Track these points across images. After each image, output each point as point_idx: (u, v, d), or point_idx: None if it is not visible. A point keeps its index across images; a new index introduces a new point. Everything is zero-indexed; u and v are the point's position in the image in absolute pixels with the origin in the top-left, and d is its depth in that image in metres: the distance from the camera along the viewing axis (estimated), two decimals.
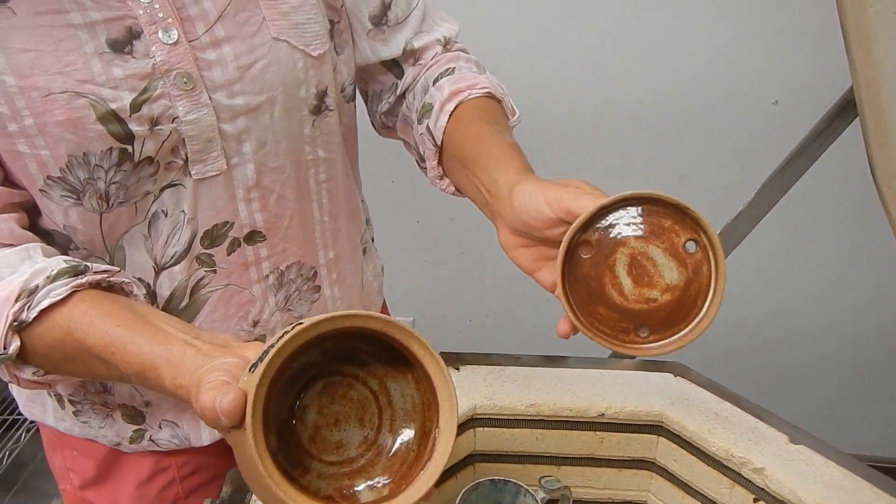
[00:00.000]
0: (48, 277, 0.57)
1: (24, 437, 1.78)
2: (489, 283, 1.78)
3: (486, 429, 0.79)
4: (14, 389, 0.82)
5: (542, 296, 0.70)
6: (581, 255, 0.55)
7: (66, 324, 0.56)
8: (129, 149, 0.61)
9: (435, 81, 0.76)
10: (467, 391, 0.80)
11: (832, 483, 0.68)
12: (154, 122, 0.61)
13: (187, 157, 0.64)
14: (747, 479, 0.71)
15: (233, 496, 0.70)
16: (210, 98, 0.63)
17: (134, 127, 0.60)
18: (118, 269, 0.62)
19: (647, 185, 1.60)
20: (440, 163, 0.74)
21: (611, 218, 0.54)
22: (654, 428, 0.78)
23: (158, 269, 0.68)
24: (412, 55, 0.79)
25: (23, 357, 0.59)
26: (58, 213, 0.63)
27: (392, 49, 0.78)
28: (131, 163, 0.61)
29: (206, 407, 0.44)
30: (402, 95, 0.81)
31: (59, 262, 0.58)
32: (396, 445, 0.52)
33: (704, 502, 0.76)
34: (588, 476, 0.81)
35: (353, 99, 0.79)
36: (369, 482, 0.51)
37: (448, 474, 0.79)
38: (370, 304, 0.90)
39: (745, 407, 0.78)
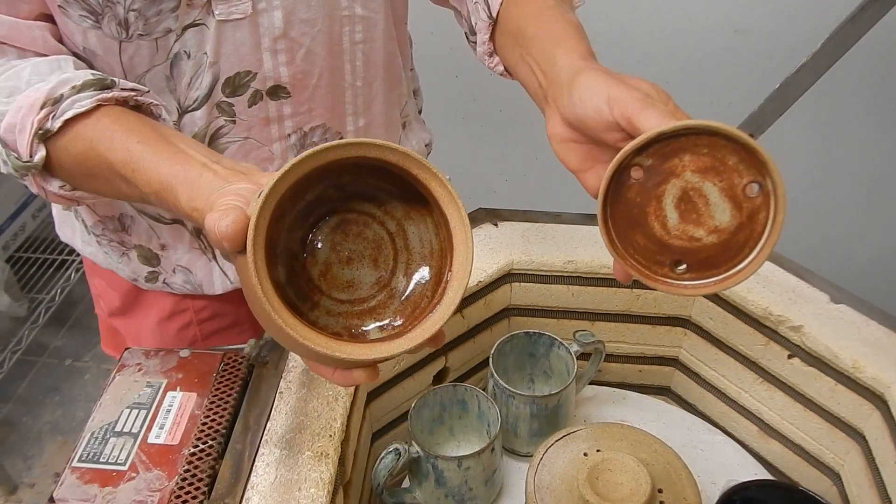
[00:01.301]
0: (74, 87, 0.56)
1: (74, 276, 1.85)
2: (527, 140, 1.74)
3: (522, 284, 0.80)
4: (54, 210, 0.85)
5: None
6: (630, 177, 0.50)
7: (90, 136, 0.55)
8: None
9: None
10: (505, 247, 0.79)
11: (870, 340, 0.67)
12: None
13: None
14: (783, 337, 0.71)
15: (273, 340, 0.72)
16: None
17: None
18: (147, 89, 0.60)
19: (698, 42, 1.50)
20: (492, 38, 0.67)
21: (671, 143, 0.48)
22: None
23: (182, 112, 0.67)
24: None
25: (49, 169, 0.59)
26: (77, 33, 0.61)
27: None
28: None
29: (209, 229, 0.44)
30: None
31: (87, 73, 0.57)
32: (410, 288, 0.51)
33: (736, 358, 0.77)
34: (622, 332, 0.82)
35: None
36: (379, 323, 0.51)
37: (483, 327, 0.81)
38: None
39: (787, 266, 0.76)
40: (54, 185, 0.60)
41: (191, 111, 0.67)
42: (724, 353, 0.78)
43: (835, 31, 1.00)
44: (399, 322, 0.50)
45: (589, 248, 0.79)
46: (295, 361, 0.68)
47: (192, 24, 0.62)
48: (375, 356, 0.47)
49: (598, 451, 0.64)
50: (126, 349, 0.72)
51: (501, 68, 0.67)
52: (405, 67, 0.82)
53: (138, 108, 0.59)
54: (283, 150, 0.72)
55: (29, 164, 0.57)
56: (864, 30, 0.99)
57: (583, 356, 0.77)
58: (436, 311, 0.48)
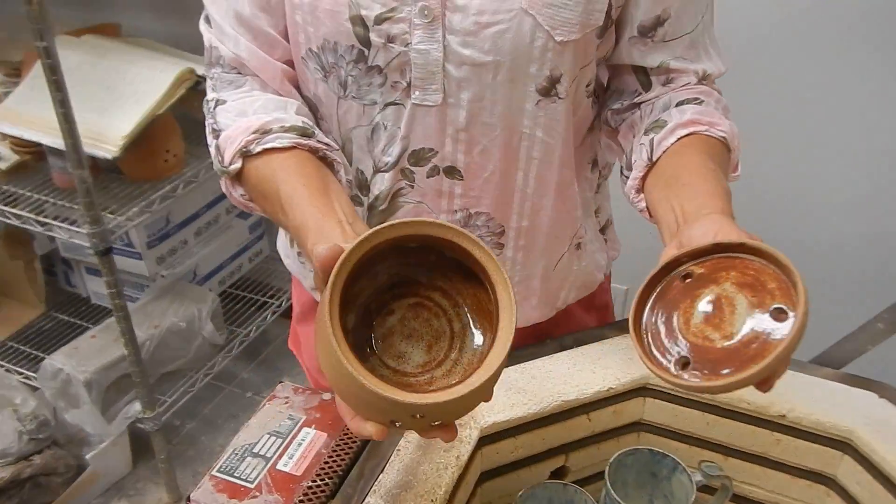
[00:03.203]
0: (283, 127, 0.70)
1: (270, 317, 2.05)
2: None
3: (656, 400, 0.79)
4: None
5: None
6: (677, 281, 0.55)
7: (276, 167, 0.68)
8: (366, 52, 0.70)
9: (678, 104, 0.74)
10: (638, 360, 0.79)
11: None
12: (390, 39, 0.69)
13: (411, 82, 0.71)
14: None
15: None
16: (445, 37, 0.68)
17: (373, 37, 0.69)
18: (337, 147, 0.73)
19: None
20: (644, 177, 0.73)
21: (727, 260, 0.53)
22: (840, 444, 0.73)
23: (375, 171, 0.78)
24: (665, 72, 0.77)
25: (238, 179, 0.73)
26: (310, 82, 0.76)
27: (647, 60, 0.76)
28: (365, 64, 0.71)
29: (310, 251, 0.54)
30: (638, 105, 0.79)
31: (298, 120, 0.72)
32: (445, 381, 0.56)
33: None
34: (756, 475, 0.78)
35: (595, 96, 0.80)
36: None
37: (610, 435, 0.81)
38: (554, 288, 0.89)
39: None
40: (238, 192, 0.74)
41: (382, 172, 0.78)
42: None
43: None
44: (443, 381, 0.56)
45: None
46: None
47: (393, 103, 0.73)
48: (418, 401, 0.51)
49: None
50: (280, 382, 0.81)
51: (643, 205, 0.73)
52: (584, 191, 0.86)
53: (324, 159, 0.71)
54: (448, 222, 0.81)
55: (226, 169, 0.71)
56: None
57: (708, 489, 0.74)
58: (480, 369, 0.54)
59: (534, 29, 0.68)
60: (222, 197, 2.02)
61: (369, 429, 0.55)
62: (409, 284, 0.58)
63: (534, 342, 0.85)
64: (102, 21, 1.85)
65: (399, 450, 0.70)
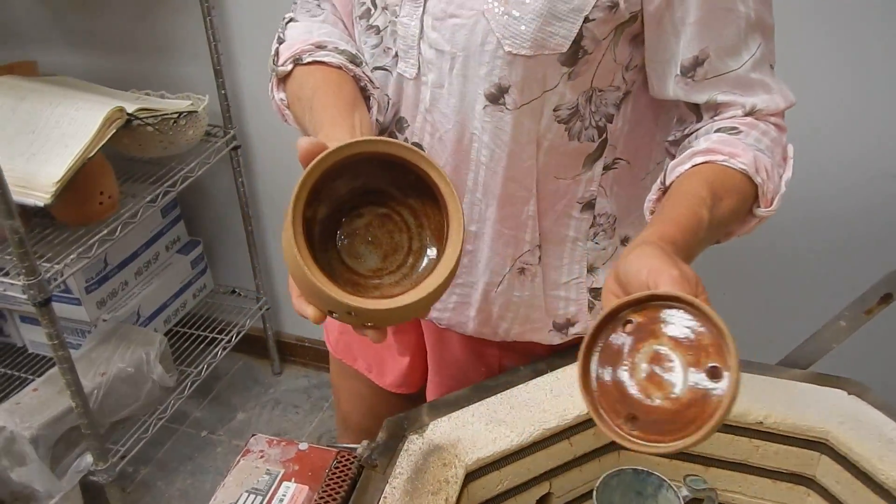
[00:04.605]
0: (336, 49, 0.76)
1: (221, 353, 1.99)
2: None
3: None
4: None
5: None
6: (620, 330, 0.56)
7: (320, 77, 0.74)
8: (372, 10, 0.77)
9: (715, 131, 0.73)
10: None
11: None
12: (386, 5, 0.75)
13: (397, 52, 0.75)
14: None
15: (388, 442, 0.75)
16: (423, 17, 0.72)
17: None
18: (378, 86, 0.77)
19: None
20: (658, 200, 0.73)
21: (664, 310, 0.54)
22: (817, 445, 0.74)
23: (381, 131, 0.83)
24: (714, 108, 0.75)
25: (284, 83, 0.79)
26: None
27: (693, 97, 0.74)
28: (366, 21, 0.78)
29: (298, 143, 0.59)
30: (690, 134, 0.77)
31: (351, 47, 0.79)
32: (389, 290, 0.62)
33: None
34: (738, 482, 0.79)
35: (573, 126, 0.75)
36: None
37: (591, 457, 0.80)
38: (494, 312, 0.85)
39: None
40: (279, 95, 0.80)
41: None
42: None
43: None
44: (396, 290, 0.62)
45: None
46: (401, 468, 0.71)
47: (382, 68, 0.78)
48: (349, 302, 0.57)
49: None
50: (253, 435, 0.78)
51: None
52: (559, 227, 0.82)
53: (363, 90, 0.76)
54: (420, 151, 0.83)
55: (276, 69, 0.78)
56: None
57: (695, 502, 0.74)
58: (416, 289, 0.60)
59: (486, 32, 0.69)
60: (161, 234, 1.95)
61: (308, 311, 0.60)
62: (385, 194, 0.63)
63: (498, 372, 0.85)
64: (16, 59, 1.77)
65: (385, 497, 0.68)
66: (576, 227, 0.82)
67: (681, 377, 0.52)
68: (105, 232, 1.53)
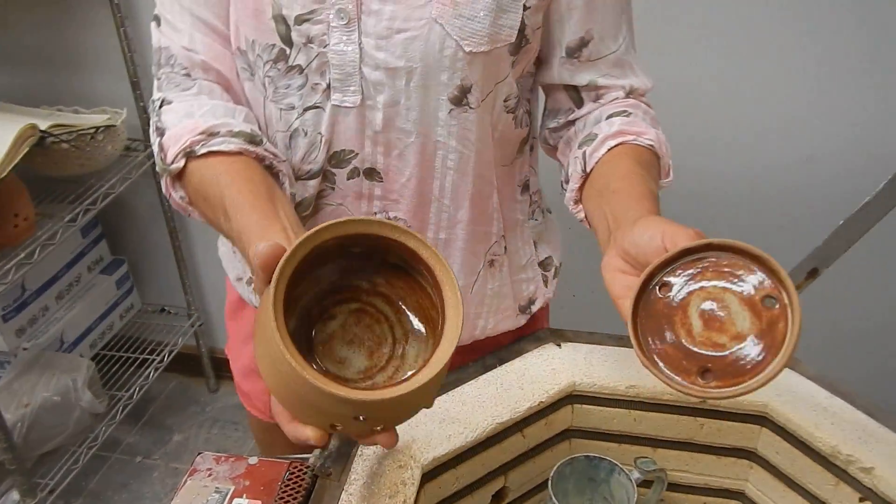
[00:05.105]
0: (230, 131, 0.70)
1: (153, 375, 1.92)
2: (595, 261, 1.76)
3: (583, 406, 0.80)
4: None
5: None
6: (657, 294, 0.56)
7: (220, 170, 0.67)
8: (287, 51, 0.71)
9: (608, 118, 0.78)
10: (567, 368, 0.81)
11: None
12: (309, 39, 0.70)
13: (330, 84, 0.72)
14: (854, 478, 0.69)
15: (340, 448, 0.74)
16: (360, 39, 0.70)
17: (294, 36, 0.70)
18: (285, 160, 0.73)
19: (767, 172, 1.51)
20: (581, 189, 0.76)
21: (696, 262, 0.54)
22: (758, 418, 0.77)
23: (297, 178, 0.77)
24: (594, 90, 0.80)
25: (180, 180, 0.72)
26: (245, 80, 0.76)
27: (577, 79, 0.79)
28: (285, 64, 0.72)
29: (251, 252, 0.54)
30: (573, 122, 0.82)
31: (246, 126, 0.72)
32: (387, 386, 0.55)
33: (807, 497, 0.74)
34: (685, 461, 0.81)
35: (518, 113, 0.80)
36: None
37: (544, 447, 0.81)
38: (471, 313, 0.88)
39: (858, 404, 0.75)
40: (178, 194, 0.73)
41: (304, 179, 0.77)
42: (792, 491, 0.75)
43: None
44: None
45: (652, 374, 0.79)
46: (357, 474, 0.70)
47: (314, 106, 0.73)
48: (363, 398, 0.50)
49: None
50: (199, 454, 0.75)
51: (583, 215, 0.76)
52: (511, 212, 0.86)
53: (270, 168, 0.71)
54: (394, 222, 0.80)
55: (167, 168, 0.70)
56: None
57: (645, 483, 0.76)
58: (426, 368, 0.53)
59: (443, 38, 0.69)
60: (82, 255, 1.88)
61: (308, 433, 0.54)
62: (351, 290, 0.57)
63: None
64: None
65: (342, 502, 0.67)
66: (521, 209, 0.88)
67: (739, 313, 0.52)
68: (22, 256, 1.46)
